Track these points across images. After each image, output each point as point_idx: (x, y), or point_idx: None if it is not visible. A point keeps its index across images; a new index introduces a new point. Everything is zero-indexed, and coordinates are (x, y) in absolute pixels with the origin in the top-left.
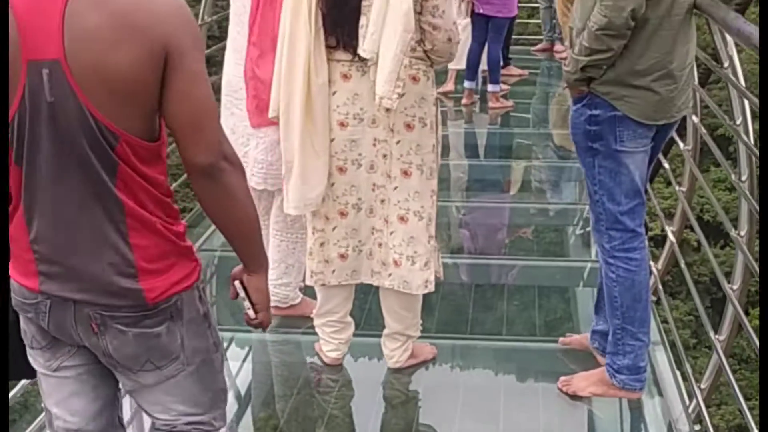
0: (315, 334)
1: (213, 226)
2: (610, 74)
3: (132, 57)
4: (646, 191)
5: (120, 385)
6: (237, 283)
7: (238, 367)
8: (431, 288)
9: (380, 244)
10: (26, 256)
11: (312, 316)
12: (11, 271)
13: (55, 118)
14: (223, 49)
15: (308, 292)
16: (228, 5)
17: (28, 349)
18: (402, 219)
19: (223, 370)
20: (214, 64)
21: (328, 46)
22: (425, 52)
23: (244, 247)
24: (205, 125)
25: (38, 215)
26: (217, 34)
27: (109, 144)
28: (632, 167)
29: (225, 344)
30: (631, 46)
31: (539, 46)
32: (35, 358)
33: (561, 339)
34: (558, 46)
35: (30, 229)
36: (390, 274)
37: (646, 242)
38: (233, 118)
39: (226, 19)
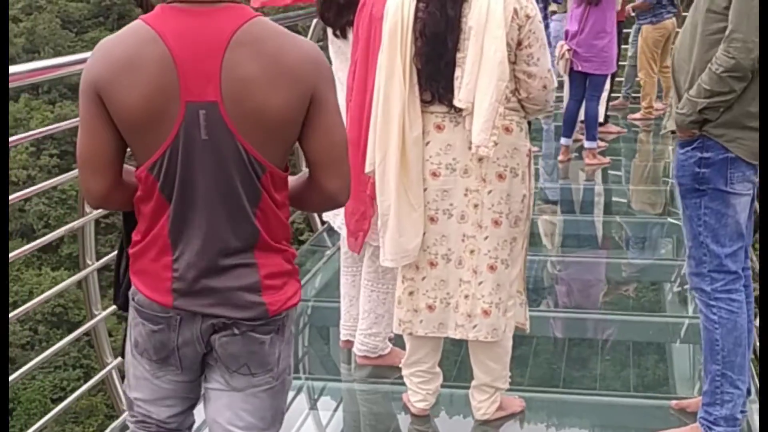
0: (403, 384)
1: (305, 279)
2: (726, 116)
3: (283, 99)
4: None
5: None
6: None
7: (329, 417)
8: (509, 335)
9: (467, 296)
10: (163, 275)
11: (400, 366)
12: (140, 286)
13: (208, 154)
14: None
15: (398, 342)
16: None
17: (134, 350)
18: (491, 268)
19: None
20: None
21: (423, 101)
22: (520, 101)
23: None
24: (342, 157)
25: (183, 241)
26: None
27: (256, 175)
28: (738, 209)
29: (316, 394)
30: (749, 86)
31: (617, 102)
32: (140, 362)
33: (674, 402)
34: (658, 104)
35: (173, 253)
36: (475, 326)
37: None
38: None
39: None
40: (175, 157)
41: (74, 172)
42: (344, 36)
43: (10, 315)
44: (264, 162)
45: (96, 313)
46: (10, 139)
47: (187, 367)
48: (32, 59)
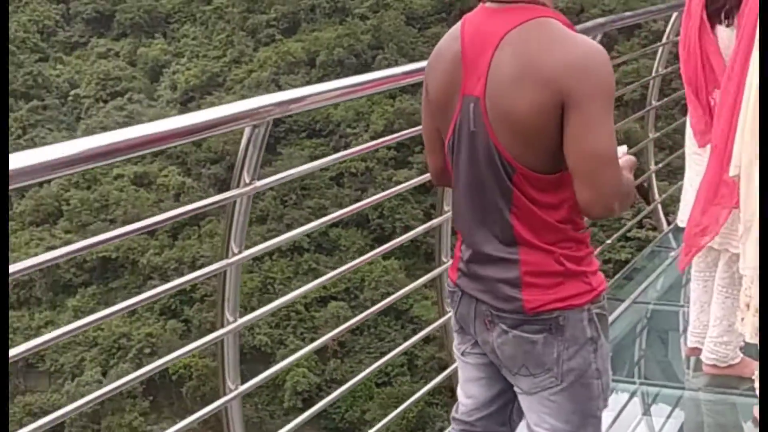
0: (754, 396)
1: (647, 281)
2: None
3: (531, 101)
4: None
5: None
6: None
7: (662, 423)
8: None
9: None
10: (457, 254)
11: (752, 377)
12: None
13: (472, 145)
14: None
15: (748, 351)
16: None
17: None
18: None
19: (602, 400)
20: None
21: None
22: None
23: None
24: (596, 171)
25: (459, 226)
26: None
27: (507, 174)
28: None
29: (649, 399)
30: None
31: None
32: (455, 341)
33: None
34: None
35: (461, 236)
36: None
37: None
38: (689, 171)
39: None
40: (454, 144)
41: (425, 176)
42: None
43: (367, 314)
44: (513, 162)
45: (448, 310)
46: (370, 144)
47: (473, 338)
48: (376, 55)
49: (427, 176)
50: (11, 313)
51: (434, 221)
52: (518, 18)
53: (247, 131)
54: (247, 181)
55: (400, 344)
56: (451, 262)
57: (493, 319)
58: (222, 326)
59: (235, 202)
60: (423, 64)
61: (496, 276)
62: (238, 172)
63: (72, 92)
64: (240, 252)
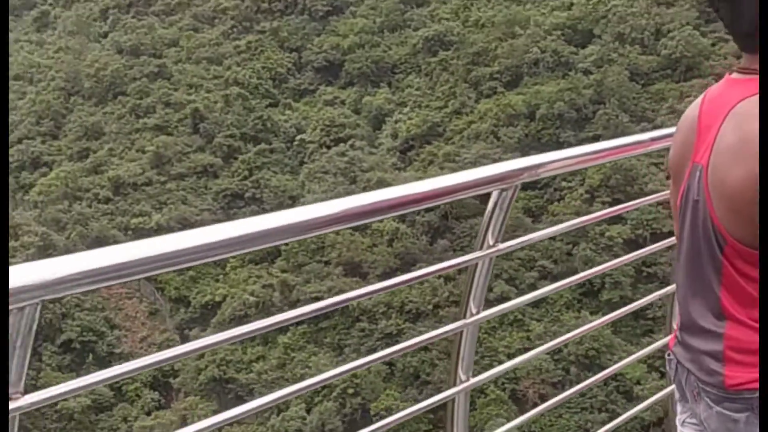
0: None
1: None
2: None
3: (741, 176)
4: None
5: None
6: None
7: None
8: None
9: None
10: (677, 322)
11: None
12: None
13: (695, 214)
14: None
15: None
16: None
17: None
18: None
19: None
20: None
21: None
22: None
23: None
24: None
25: (678, 289)
26: None
27: (719, 245)
28: None
29: None
30: None
31: None
32: (678, 409)
33: None
34: None
35: (678, 300)
36: None
37: None
38: None
39: None
40: (681, 211)
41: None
42: None
43: (587, 383)
44: (725, 234)
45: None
46: (612, 209)
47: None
48: (597, 110)
49: (671, 240)
50: (226, 345)
51: (668, 288)
52: (751, 90)
53: (494, 195)
54: (491, 242)
55: (602, 401)
56: None
57: (700, 391)
58: (455, 384)
59: (477, 263)
60: (670, 130)
61: (701, 348)
62: (483, 233)
63: (298, 137)
64: (479, 312)
